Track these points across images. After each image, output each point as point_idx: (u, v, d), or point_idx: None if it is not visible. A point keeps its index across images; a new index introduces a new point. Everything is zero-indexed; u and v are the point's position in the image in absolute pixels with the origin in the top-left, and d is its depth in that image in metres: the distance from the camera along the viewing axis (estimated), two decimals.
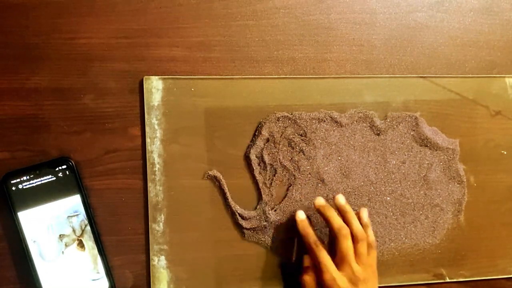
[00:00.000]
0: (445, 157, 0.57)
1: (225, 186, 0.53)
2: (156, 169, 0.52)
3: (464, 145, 0.57)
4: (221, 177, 0.53)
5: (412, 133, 0.56)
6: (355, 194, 0.55)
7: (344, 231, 0.48)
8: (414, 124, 0.56)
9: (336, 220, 0.49)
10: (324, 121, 0.54)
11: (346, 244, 0.48)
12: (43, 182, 0.49)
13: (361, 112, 0.55)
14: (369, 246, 0.50)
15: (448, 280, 0.57)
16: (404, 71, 0.57)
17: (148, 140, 0.52)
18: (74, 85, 0.51)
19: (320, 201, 0.51)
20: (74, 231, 0.50)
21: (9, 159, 0.50)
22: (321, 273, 0.47)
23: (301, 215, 0.52)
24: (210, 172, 0.52)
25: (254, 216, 0.53)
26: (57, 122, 0.51)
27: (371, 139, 0.56)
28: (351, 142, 0.55)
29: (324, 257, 0.48)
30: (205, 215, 0.53)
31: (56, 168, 0.50)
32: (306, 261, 0.51)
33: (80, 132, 0.51)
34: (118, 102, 0.52)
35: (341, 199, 0.51)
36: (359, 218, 0.51)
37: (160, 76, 0.52)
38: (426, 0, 0.58)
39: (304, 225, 0.51)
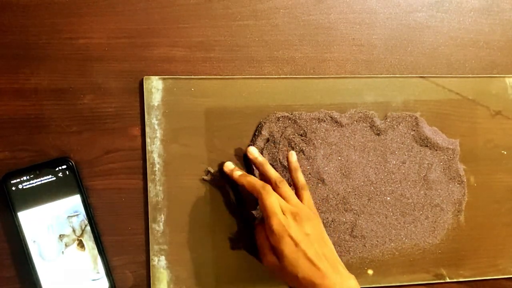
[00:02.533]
0: (445, 157, 0.57)
1: (225, 186, 0.53)
2: (156, 169, 0.52)
3: (464, 145, 0.57)
4: (221, 179, 0.53)
5: (412, 133, 0.56)
6: (355, 194, 0.55)
7: (268, 187, 0.47)
8: (414, 124, 0.56)
9: (256, 180, 0.49)
10: (324, 121, 0.54)
11: (272, 198, 0.46)
12: (43, 182, 0.49)
13: (361, 112, 0.55)
14: (300, 188, 0.50)
15: (448, 280, 0.57)
16: (404, 71, 0.57)
17: (148, 140, 0.52)
18: (74, 85, 0.52)
19: (254, 152, 0.51)
20: (74, 231, 0.50)
21: (9, 159, 0.50)
22: (268, 221, 0.46)
23: (229, 165, 0.51)
24: (208, 177, 0.52)
25: (254, 216, 0.53)
26: (57, 122, 0.51)
27: (371, 139, 0.56)
28: (351, 142, 0.55)
29: (272, 202, 0.46)
30: (205, 215, 0.53)
31: (56, 168, 0.50)
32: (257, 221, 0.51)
33: (80, 132, 0.51)
34: (118, 102, 0.52)
35: (253, 151, 0.51)
36: (288, 162, 0.51)
37: (160, 76, 0.52)
38: (426, 0, 0.58)
39: (242, 174, 0.50)
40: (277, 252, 0.45)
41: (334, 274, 0.44)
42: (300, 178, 0.51)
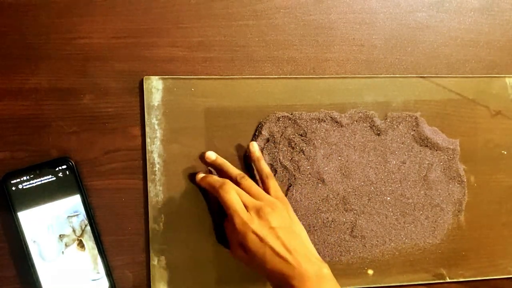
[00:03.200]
0: (445, 157, 0.57)
1: None
2: (156, 169, 0.52)
3: (464, 145, 0.57)
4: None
5: (412, 133, 0.56)
6: (355, 194, 0.55)
7: (226, 185, 0.47)
8: (414, 124, 0.56)
9: (215, 178, 0.49)
10: (324, 121, 0.54)
11: (231, 196, 0.46)
12: (43, 182, 0.49)
13: (361, 112, 0.55)
14: (265, 178, 0.50)
15: (448, 280, 0.57)
16: (404, 71, 0.57)
17: (148, 140, 0.52)
18: (74, 85, 0.51)
19: (211, 155, 0.51)
20: (74, 231, 0.50)
21: (9, 159, 0.50)
22: (230, 219, 0.46)
23: (211, 156, 0.51)
24: (210, 168, 0.52)
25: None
26: (57, 122, 0.51)
27: (371, 139, 0.56)
28: (351, 142, 0.55)
29: (231, 199, 0.46)
30: (205, 215, 0.53)
31: (56, 168, 0.50)
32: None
33: (80, 132, 0.51)
34: (118, 102, 0.52)
35: (211, 155, 0.51)
36: (249, 152, 0.51)
37: (160, 76, 0.52)
38: (426, 0, 0.58)
39: (203, 177, 0.50)
40: (244, 248, 0.45)
41: (304, 264, 0.43)
42: (264, 167, 0.51)
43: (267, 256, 0.44)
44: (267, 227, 0.45)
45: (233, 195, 0.46)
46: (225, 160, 0.51)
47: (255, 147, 0.52)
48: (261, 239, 0.44)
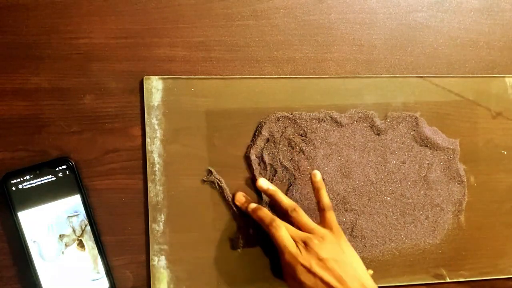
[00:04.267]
0: (445, 157, 0.57)
1: (225, 186, 0.53)
2: (156, 169, 0.52)
3: (464, 145, 0.57)
4: (220, 178, 0.53)
5: (412, 133, 0.56)
6: (355, 194, 0.55)
7: (276, 222, 0.48)
8: (414, 124, 0.56)
9: (266, 214, 0.49)
10: (324, 121, 0.54)
11: (281, 233, 0.47)
12: (43, 182, 0.49)
13: (361, 112, 0.55)
14: (322, 209, 0.50)
15: (448, 280, 0.57)
16: (404, 71, 0.57)
17: (148, 140, 0.52)
18: (74, 85, 0.52)
19: (263, 184, 0.52)
20: (74, 231, 0.50)
21: (9, 159, 0.50)
22: (281, 254, 0.47)
23: (240, 199, 0.52)
24: (210, 177, 0.52)
25: None
26: (57, 122, 0.51)
27: (371, 139, 0.56)
28: (351, 142, 0.55)
29: (281, 236, 0.47)
30: (205, 215, 0.53)
31: (56, 168, 0.50)
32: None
33: (80, 132, 0.51)
34: (118, 102, 0.52)
35: (263, 183, 0.52)
36: (312, 181, 0.51)
37: (160, 76, 0.52)
38: (426, 0, 0.58)
39: (254, 209, 0.50)
40: (297, 282, 0.46)
41: None
42: (324, 198, 0.50)
43: (319, 286, 0.44)
44: (315, 259, 0.45)
45: (282, 232, 0.47)
46: (277, 189, 0.52)
47: (318, 176, 0.51)
48: (309, 271, 0.45)
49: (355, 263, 0.47)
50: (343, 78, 0.55)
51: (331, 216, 0.50)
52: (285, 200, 0.51)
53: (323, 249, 0.46)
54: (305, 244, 0.46)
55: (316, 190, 0.51)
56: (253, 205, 0.51)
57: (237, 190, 0.53)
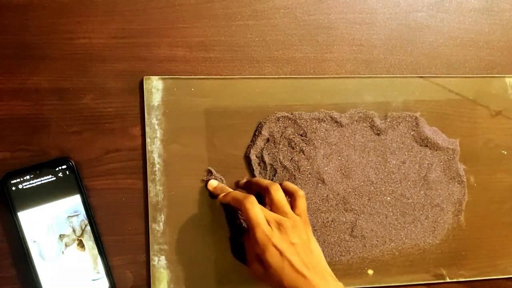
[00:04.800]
0: (445, 157, 0.57)
1: (225, 186, 0.53)
2: (156, 169, 0.52)
3: (464, 145, 0.57)
4: (221, 177, 0.53)
5: (412, 133, 0.56)
6: (355, 194, 0.55)
7: (251, 198, 0.47)
8: (414, 124, 0.56)
9: (238, 193, 0.49)
10: (324, 121, 0.54)
11: (255, 209, 0.46)
12: (43, 182, 0.49)
13: (361, 112, 0.55)
14: (292, 195, 0.49)
15: (448, 280, 0.57)
16: (404, 71, 0.57)
17: (148, 140, 0.52)
18: (74, 85, 0.52)
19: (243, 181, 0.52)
20: (74, 231, 0.50)
21: (9, 159, 0.50)
22: (253, 231, 0.46)
23: (213, 183, 0.52)
24: (210, 177, 0.52)
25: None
26: (57, 122, 0.51)
27: (371, 139, 0.56)
28: (351, 142, 0.55)
29: (255, 212, 0.46)
30: (205, 215, 0.53)
31: (56, 168, 0.50)
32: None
33: (80, 132, 0.51)
34: (118, 102, 0.52)
35: (242, 180, 0.52)
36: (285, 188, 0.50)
37: (160, 76, 0.52)
38: (426, 0, 0.58)
39: (222, 194, 0.50)
40: (263, 262, 0.45)
41: (320, 281, 0.43)
42: (290, 185, 0.50)
43: (285, 270, 0.44)
44: (287, 242, 0.45)
45: (256, 209, 0.46)
46: (256, 178, 0.52)
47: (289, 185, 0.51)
48: (281, 253, 0.44)
49: (320, 254, 0.47)
50: (343, 78, 0.55)
51: (303, 203, 0.49)
52: (264, 180, 0.50)
53: (295, 234, 0.45)
54: (278, 225, 0.46)
55: (283, 182, 0.50)
56: (224, 190, 0.51)
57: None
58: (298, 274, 0.44)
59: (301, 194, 0.49)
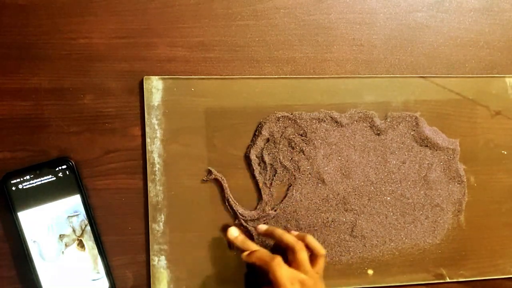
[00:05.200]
0: (445, 157, 0.57)
1: (226, 186, 0.53)
2: (156, 169, 0.52)
3: (464, 145, 0.57)
4: (221, 177, 0.53)
5: (412, 133, 0.56)
6: (355, 194, 0.55)
7: (278, 260, 0.48)
8: (414, 124, 0.56)
9: (264, 253, 0.49)
10: (324, 121, 0.54)
11: (283, 271, 0.47)
12: (43, 182, 0.49)
13: (361, 112, 0.55)
14: (319, 254, 0.50)
15: (448, 280, 0.57)
16: (404, 71, 0.57)
17: (148, 140, 0.52)
18: (74, 85, 0.52)
19: (262, 227, 0.52)
20: (74, 231, 0.50)
21: (9, 159, 0.50)
22: None
23: (233, 233, 0.52)
24: (210, 177, 0.52)
25: (254, 216, 0.53)
26: (57, 122, 0.51)
27: (371, 139, 0.56)
28: (351, 142, 0.55)
29: (283, 275, 0.47)
30: (205, 215, 0.53)
31: (56, 168, 0.50)
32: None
33: (80, 132, 0.51)
34: (118, 102, 0.52)
35: (262, 227, 0.52)
36: (310, 245, 0.51)
37: (160, 76, 0.52)
38: (426, 0, 0.58)
39: (246, 253, 0.50)
40: None
41: None
42: (316, 244, 0.50)
43: None
44: None
45: (284, 270, 0.47)
46: (278, 229, 0.51)
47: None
48: None
49: None
50: (343, 78, 0.55)
51: (322, 262, 0.50)
52: (290, 237, 0.50)
53: None
54: (302, 285, 0.47)
55: (305, 237, 0.50)
56: (246, 252, 0.51)
57: (236, 190, 0.53)
58: None
59: (322, 254, 0.50)
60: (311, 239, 0.51)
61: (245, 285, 0.53)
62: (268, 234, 0.52)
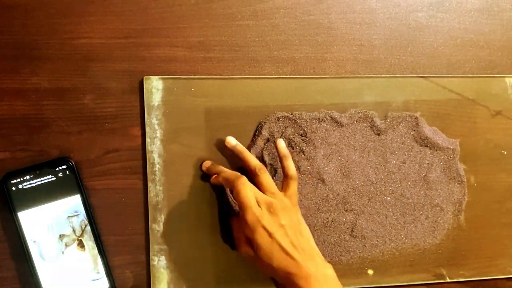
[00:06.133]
0: (445, 157, 0.57)
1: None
2: (156, 169, 0.52)
3: (464, 145, 0.57)
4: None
5: (412, 133, 0.56)
6: (355, 194, 0.55)
7: (243, 179, 0.46)
8: (414, 124, 0.56)
9: (230, 173, 0.49)
10: (324, 121, 0.54)
11: (246, 190, 0.46)
12: (43, 182, 0.49)
13: (361, 112, 0.55)
14: (287, 177, 0.49)
15: (448, 280, 0.57)
16: (404, 71, 0.57)
17: (148, 140, 0.52)
18: (74, 85, 0.52)
19: (231, 141, 0.51)
20: (74, 231, 0.50)
21: (9, 159, 0.50)
22: (243, 213, 0.46)
23: (206, 164, 0.52)
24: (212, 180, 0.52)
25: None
26: (57, 122, 0.51)
27: (371, 139, 0.56)
28: (351, 142, 0.55)
29: (246, 193, 0.46)
30: (205, 215, 0.53)
31: (56, 168, 0.50)
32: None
33: (80, 132, 0.51)
34: (118, 102, 0.52)
35: (231, 140, 0.51)
36: (277, 149, 0.51)
37: (160, 76, 0.52)
38: (426, 0, 0.58)
39: (213, 169, 0.51)
40: (252, 243, 0.45)
41: (309, 263, 0.43)
42: (290, 166, 0.50)
43: (274, 252, 0.44)
44: (277, 224, 0.45)
45: (248, 190, 0.46)
46: (245, 148, 0.51)
47: (282, 144, 0.51)
48: (270, 235, 0.44)
49: (309, 235, 0.47)
50: (343, 78, 0.55)
51: (294, 185, 0.49)
52: (253, 159, 0.50)
53: (284, 216, 0.46)
54: (268, 206, 0.46)
55: (282, 158, 0.50)
56: (216, 169, 0.51)
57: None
58: (287, 255, 0.44)
59: (293, 177, 0.49)
60: (286, 163, 0.50)
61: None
62: (236, 152, 0.51)
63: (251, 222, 0.45)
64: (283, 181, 0.50)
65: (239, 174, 0.48)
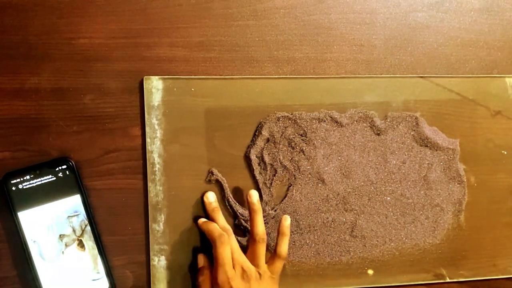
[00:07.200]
0: (445, 157, 0.57)
1: (226, 186, 0.53)
2: (156, 169, 0.52)
3: (464, 145, 0.57)
4: (222, 178, 0.53)
5: (412, 133, 0.56)
6: (355, 194, 0.55)
7: (224, 237, 0.47)
8: (414, 124, 0.56)
9: (216, 228, 0.49)
10: (324, 121, 0.54)
11: (225, 250, 0.46)
12: (43, 182, 0.49)
13: (361, 112, 0.55)
14: (275, 254, 0.49)
15: (448, 280, 0.57)
16: (404, 71, 0.57)
17: (148, 140, 0.52)
18: (74, 85, 0.52)
19: (254, 197, 0.50)
20: (74, 231, 0.50)
21: (9, 159, 0.50)
22: (215, 272, 0.46)
23: (210, 197, 0.51)
24: (212, 177, 0.52)
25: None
26: (57, 122, 0.51)
27: (371, 139, 0.56)
28: (351, 142, 0.55)
29: (223, 253, 0.46)
30: (205, 215, 0.53)
31: (56, 168, 0.50)
32: (201, 261, 0.51)
33: (80, 132, 0.51)
34: (118, 102, 0.52)
35: (254, 195, 0.50)
36: (279, 226, 0.50)
37: (160, 76, 0.52)
38: (426, 0, 0.58)
39: (202, 220, 0.51)
40: None
41: None
42: (283, 247, 0.49)
43: None
44: None
45: (226, 250, 0.46)
46: (260, 211, 0.50)
47: (286, 222, 0.50)
48: None
49: None
50: (343, 78, 0.55)
51: (280, 264, 0.50)
52: (260, 226, 0.49)
53: (256, 285, 0.46)
54: (243, 271, 0.46)
55: (280, 235, 0.50)
56: (203, 220, 0.51)
57: (236, 190, 0.53)
58: None
59: (282, 257, 0.49)
60: (282, 241, 0.50)
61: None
62: (251, 209, 0.50)
63: (220, 280, 0.45)
64: (271, 256, 0.50)
65: (222, 232, 0.48)
